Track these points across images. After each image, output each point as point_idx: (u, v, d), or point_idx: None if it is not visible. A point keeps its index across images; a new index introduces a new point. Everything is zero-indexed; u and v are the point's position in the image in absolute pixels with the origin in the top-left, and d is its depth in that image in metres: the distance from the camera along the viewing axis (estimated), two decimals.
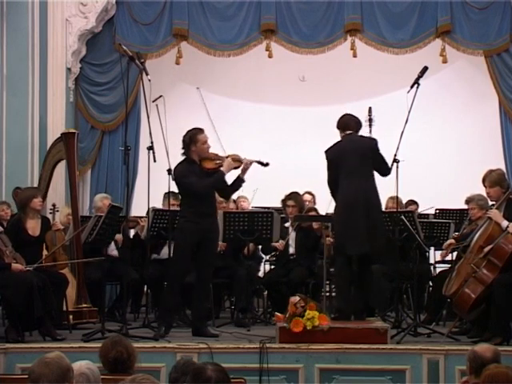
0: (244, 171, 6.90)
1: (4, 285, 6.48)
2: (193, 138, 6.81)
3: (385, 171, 6.87)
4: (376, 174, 6.92)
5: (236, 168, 6.90)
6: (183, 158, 6.89)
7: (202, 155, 6.84)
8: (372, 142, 6.89)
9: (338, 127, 6.95)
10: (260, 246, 8.49)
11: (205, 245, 6.82)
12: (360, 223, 6.62)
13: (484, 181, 6.96)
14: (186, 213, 6.91)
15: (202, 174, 6.81)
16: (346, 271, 6.80)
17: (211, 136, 7.10)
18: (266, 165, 6.97)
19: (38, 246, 7.08)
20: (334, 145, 6.91)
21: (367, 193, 6.74)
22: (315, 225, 8.04)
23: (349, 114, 6.98)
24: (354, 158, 6.74)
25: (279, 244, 8.04)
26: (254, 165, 6.94)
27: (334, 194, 6.93)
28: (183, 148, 6.86)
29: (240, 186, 7.04)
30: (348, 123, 6.90)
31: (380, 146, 6.95)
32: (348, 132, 6.88)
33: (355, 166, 6.73)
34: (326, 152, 6.88)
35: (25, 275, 6.55)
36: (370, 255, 6.84)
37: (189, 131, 6.86)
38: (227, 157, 6.90)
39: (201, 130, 6.88)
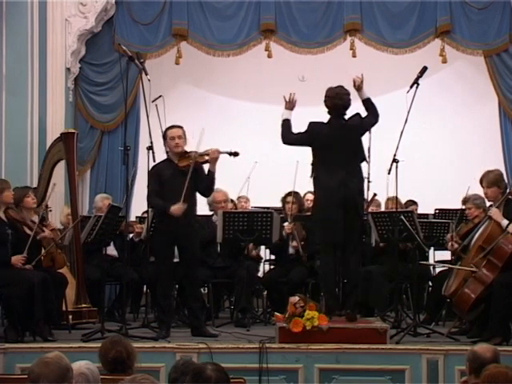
0: (212, 162, 6.90)
1: (5, 283, 6.47)
2: (164, 134, 6.97)
3: (373, 120, 6.76)
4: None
5: (206, 162, 6.92)
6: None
7: (171, 151, 6.93)
8: (357, 120, 6.72)
9: (327, 107, 6.75)
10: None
11: (182, 249, 6.92)
12: (337, 215, 6.49)
13: (481, 182, 6.97)
14: (158, 214, 7.14)
15: (177, 174, 6.87)
16: (330, 268, 6.66)
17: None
18: (236, 154, 6.96)
19: (35, 245, 7.04)
20: (322, 125, 6.70)
21: (349, 185, 6.54)
22: (292, 245, 8.07)
23: (336, 90, 6.73)
24: (341, 148, 6.56)
25: (287, 227, 8.04)
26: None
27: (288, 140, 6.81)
28: (164, 146, 7.01)
29: (213, 178, 6.99)
30: (336, 107, 6.69)
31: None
32: (335, 114, 6.69)
33: (340, 157, 6.55)
34: (311, 125, 6.71)
35: (26, 274, 6.54)
36: (347, 245, 6.65)
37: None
38: (195, 152, 6.91)
39: (172, 126, 6.96)
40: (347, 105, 6.72)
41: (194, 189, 6.94)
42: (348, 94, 6.71)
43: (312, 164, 6.74)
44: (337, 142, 6.61)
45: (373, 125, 6.83)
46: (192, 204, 6.98)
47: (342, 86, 6.75)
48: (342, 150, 6.59)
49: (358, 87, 6.78)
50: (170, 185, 6.84)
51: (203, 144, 7.03)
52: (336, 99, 6.68)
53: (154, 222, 7.33)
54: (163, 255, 6.91)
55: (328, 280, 6.72)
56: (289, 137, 6.83)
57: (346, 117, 6.78)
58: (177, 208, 6.71)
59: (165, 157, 7.17)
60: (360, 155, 6.75)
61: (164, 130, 6.98)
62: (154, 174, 6.91)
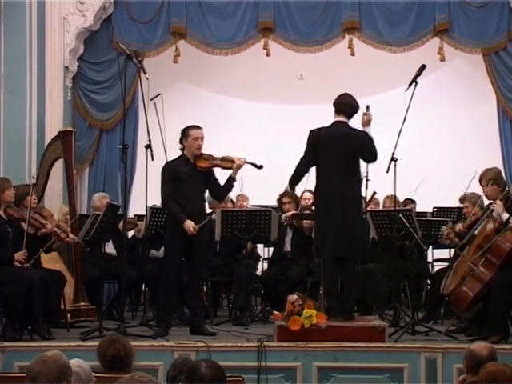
0: (236, 169, 6.93)
1: (4, 281, 6.46)
2: (185, 132, 6.91)
3: (372, 159, 6.65)
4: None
5: (228, 168, 6.94)
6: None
7: (191, 151, 6.87)
8: (361, 140, 6.59)
9: (334, 106, 6.64)
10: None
11: (191, 247, 6.83)
12: (335, 225, 6.45)
13: (481, 180, 6.98)
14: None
15: (194, 173, 6.86)
16: (331, 269, 6.58)
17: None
18: (260, 167, 6.97)
19: (34, 242, 7.03)
20: (323, 130, 6.61)
21: (346, 193, 6.49)
22: (305, 223, 8.00)
23: (347, 95, 6.66)
24: (340, 154, 6.47)
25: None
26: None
27: (297, 173, 6.68)
28: (180, 142, 6.96)
29: (232, 185, 7.07)
30: (342, 107, 6.59)
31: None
32: (340, 119, 6.58)
33: (338, 163, 6.47)
34: (312, 133, 6.61)
35: (25, 272, 6.54)
36: (347, 258, 6.58)
37: (186, 126, 6.95)
38: (221, 158, 6.93)
39: (196, 127, 6.92)
40: (355, 106, 6.66)
41: (205, 188, 7.01)
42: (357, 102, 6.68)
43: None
44: (338, 146, 6.50)
45: (369, 159, 6.72)
46: (203, 202, 7.04)
47: (351, 96, 6.67)
48: (343, 153, 6.49)
49: (367, 123, 6.70)
50: (187, 183, 6.83)
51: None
52: (347, 107, 6.59)
53: (165, 221, 7.30)
54: (173, 253, 6.88)
55: (330, 282, 6.65)
56: (296, 170, 6.70)
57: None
58: (191, 227, 6.67)
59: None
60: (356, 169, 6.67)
61: (186, 128, 6.91)
62: (171, 171, 6.83)
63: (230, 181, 7.01)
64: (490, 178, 6.83)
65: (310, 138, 6.63)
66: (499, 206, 6.66)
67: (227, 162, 6.93)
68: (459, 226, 7.18)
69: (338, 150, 6.50)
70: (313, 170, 6.70)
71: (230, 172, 6.99)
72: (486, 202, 7.19)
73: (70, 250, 7.73)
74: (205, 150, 7.00)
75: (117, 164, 9.22)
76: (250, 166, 7.00)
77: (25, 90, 8.96)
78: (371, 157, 6.64)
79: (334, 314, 6.47)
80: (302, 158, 6.67)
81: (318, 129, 6.66)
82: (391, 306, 7.56)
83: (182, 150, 6.95)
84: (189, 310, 7.18)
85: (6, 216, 6.75)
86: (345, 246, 6.50)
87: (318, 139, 6.59)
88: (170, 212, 6.96)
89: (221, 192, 7.18)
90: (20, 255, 6.64)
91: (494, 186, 6.84)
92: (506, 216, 6.58)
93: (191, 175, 6.84)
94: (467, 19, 9.30)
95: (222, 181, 7.09)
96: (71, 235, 7.31)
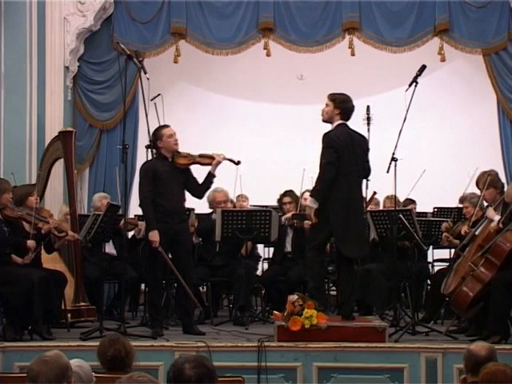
0: (216, 166, 6.97)
1: (4, 281, 6.46)
2: (157, 134, 6.91)
3: (368, 172, 6.74)
4: None
5: (207, 164, 6.99)
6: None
7: (169, 149, 6.89)
8: (367, 142, 6.74)
9: (337, 109, 6.57)
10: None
11: (175, 245, 6.85)
12: (358, 225, 6.54)
13: (478, 184, 7.00)
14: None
15: (173, 171, 6.89)
16: (320, 267, 6.68)
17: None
18: (238, 163, 7.05)
19: (36, 241, 7.02)
20: (336, 132, 6.53)
21: (359, 193, 6.68)
22: (306, 224, 7.96)
23: (347, 98, 6.62)
24: (356, 155, 6.52)
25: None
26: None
27: (328, 181, 6.44)
28: (153, 148, 6.96)
29: (212, 181, 7.09)
30: (345, 111, 6.57)
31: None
32: (343, 122, 6.55)
33: (355, 163, 6.52)
34: (330, 136, 6.50)
35: (25, 272, 6.54)
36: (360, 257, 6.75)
37: (155, 129, 6.97)
38: (200, 155, 6.96)
39: (165, 126, 6.96)
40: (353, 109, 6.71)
41: (184, 186, 7.01)
42: None
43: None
44: (354, 147, 6.53)
45: (366, 168, 6.72)
46: (183, 201, 7.04)
47: (349, 97, 6.66)
48: (358, 154, 6.55)
49: None
50: (166, 182, 6.83)
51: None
52: (349, 111, 6.60)
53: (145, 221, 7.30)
54: (156, 254, 6.87)
55: (319, 280, 6.72)
56: (325, 180, 6.50)
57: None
58: (156, 238, 6.69)
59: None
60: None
61: (156, 130, 6.92)
62: (149, 170, 6.85)
63: (210, 177, 7.04)
64: (486, 181, 6.84)
65: (331, 142, 6.46)
66: (489, 211, 6.71)
67: (206, 159, 6.97)
68: (465, 229, 7.16)
69: (354, 151, 6.54)
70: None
71: (208, 169, 7.02)
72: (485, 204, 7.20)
73: (71, 250, 7.74)
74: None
75: (117, 164, 9.23)
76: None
77: (25, 90, 8.96)
78: (368, 168, 6.72)
79: (325, 309, 6.55)
80: (327, 166, 6.45)
81: (331, 131, 6.60)
82: (391, 306, 7.56)
83: (157, 152, 6.95)
84: (180, 309, 7.16)
85: (2, 216, 6.74)
86: (366, 246, 6.72)
87: (338, 142, 6.48)
88: (144, 214, 6.96)
89: (201, 189, 7.15)
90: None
91: (491, 189, 6.86)
92: (497, 218, 6.59)
93: (170, 174, 6.86)
94: (467, 19, 9.29)
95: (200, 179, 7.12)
96: (71, 232, 7.32)
